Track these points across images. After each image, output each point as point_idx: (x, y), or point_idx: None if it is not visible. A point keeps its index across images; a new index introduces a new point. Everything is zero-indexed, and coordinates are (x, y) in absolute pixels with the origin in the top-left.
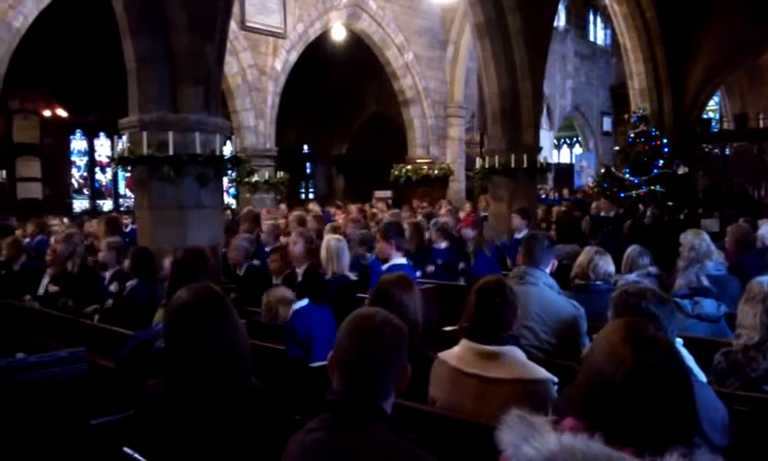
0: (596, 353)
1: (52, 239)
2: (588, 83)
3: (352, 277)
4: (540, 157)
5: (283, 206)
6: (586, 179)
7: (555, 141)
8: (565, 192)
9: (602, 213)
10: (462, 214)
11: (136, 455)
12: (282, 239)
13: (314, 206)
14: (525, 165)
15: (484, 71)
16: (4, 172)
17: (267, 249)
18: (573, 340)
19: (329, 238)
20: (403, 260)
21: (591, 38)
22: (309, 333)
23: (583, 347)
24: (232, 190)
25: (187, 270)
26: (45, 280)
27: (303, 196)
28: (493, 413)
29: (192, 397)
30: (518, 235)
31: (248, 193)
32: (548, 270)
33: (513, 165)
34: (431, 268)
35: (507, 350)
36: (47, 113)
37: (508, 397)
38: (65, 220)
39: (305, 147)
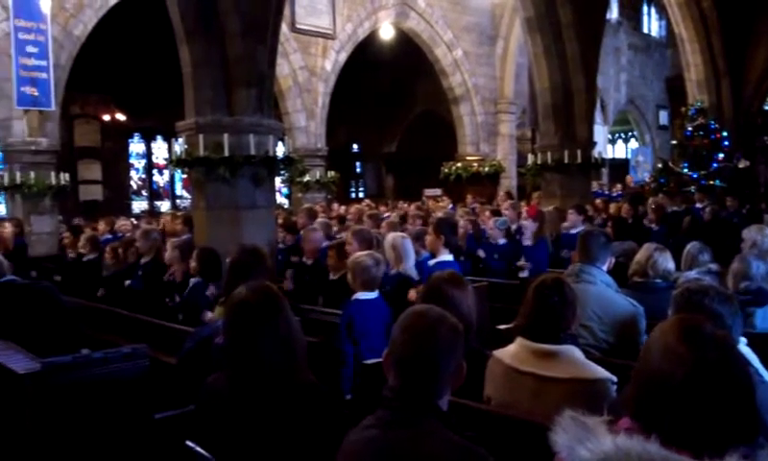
0: (652, 352)
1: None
2: (642, 75)
3: (414, 275)
4: (595, 153)
5: (336, 205)
6: (642, 174)
7: (609, 136)
8: (619, 187)
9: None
10: (524, 208)
11: (198, 449)
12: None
13: (366, 205)
14: (579, 161)
15: (535, 66)
16: (67, 175)
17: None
18: (632, 339)
19: (395, 236)
20: (450, 257)
21: (645, 30)
22: (366, 326)
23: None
24: (284, 190)
25: (244, 268)
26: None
27: (353, 195)
28: (549, 412)
29: (250, 392)
30: (574, 231)
31: (299, 193)
32: (605, 268)
33: (566, 161)
34: (481, 253)
35: (564, 348)
36: (107, 118)
37: (564, 396)
38: (133, 220)
39: (355, 146)
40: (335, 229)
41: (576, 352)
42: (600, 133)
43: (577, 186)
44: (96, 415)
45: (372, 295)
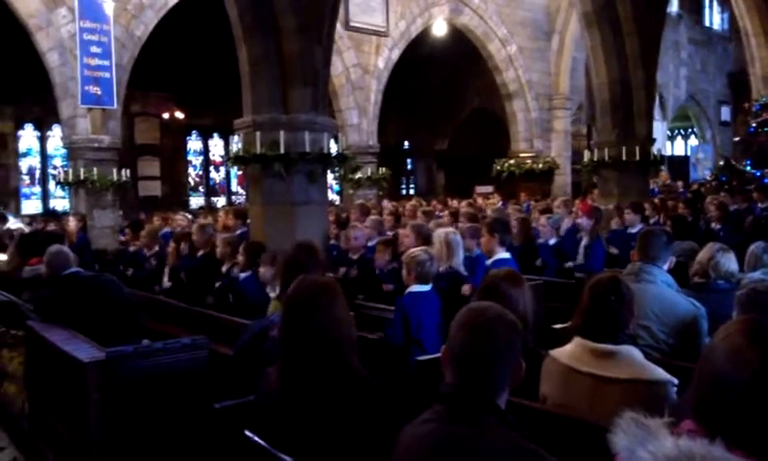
0: (717, 354)
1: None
2: (703, 70)
3: (463, 271)
4: (654, 149)
5: (386, 202)
6: (702, 171)
7: (668, 132)
8: (680, 185)
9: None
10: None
11: (256, 439)
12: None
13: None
14: (637, 158)
15: (593, 61)
16: (128, 171)
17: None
18: (693, 341)
19: (447, 231)
20: (506, 255)
21: (707, 23)
22: (419, 317)
23: None
24: (336, 187)
25: (298, 264)
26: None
27: (404, 192)
28: (608, 413)
29: (302, 384)
30: (632, 230)
31: (350, 189)
32: (666, 267)
33: (624, 158)
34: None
35: (623, 349)
36: (166, 116)
37: (623, 397)
38: (188, 215)
39: (406, 143)
40: (388, 225)
41: (635, 353)
42: (659, 129)
43: (635, 184)
44: (157, 403)
45: (426, 287)
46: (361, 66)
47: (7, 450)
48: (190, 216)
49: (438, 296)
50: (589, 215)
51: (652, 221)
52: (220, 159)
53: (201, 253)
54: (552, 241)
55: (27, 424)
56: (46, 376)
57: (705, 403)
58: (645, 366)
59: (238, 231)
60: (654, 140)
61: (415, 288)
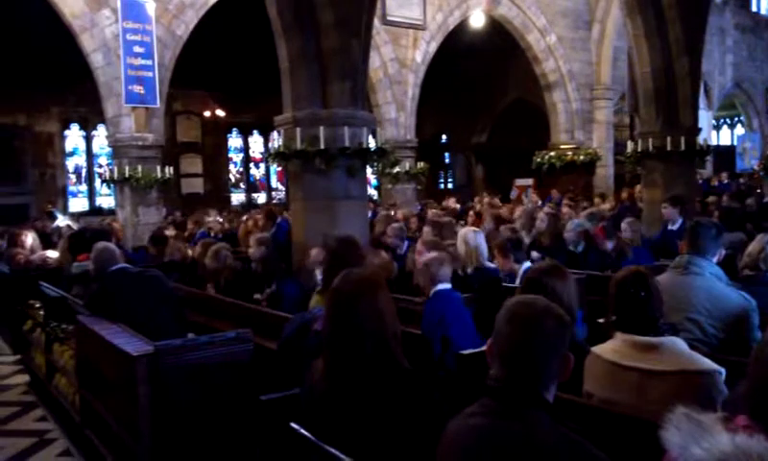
0: None
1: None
2: (750, 57)
3: (494, 268)
4: (699, 139)
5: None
6: (749, 161)
7: (714, 122)
8: (725, 176)
9: None
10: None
11: (302, 431)
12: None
13: (451, 202)
14: (682, 148)
15: (635, 49)
16: (171, 168)
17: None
18: (743, 335)
19: (467, 230)
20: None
21: (754, 9)
22: (443, 316)
23: (754, 342)
24: (374, 181)
25: (340, 258)
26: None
27: (442, 186)
28: (655, 407)
29: (350, 377)
30: (672, 227)
31: (389, 184)
32: (715, 259)
33: (668, 148)
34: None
35: (667, 340)
36: (207, 114)
37: (671, 390)
38: (219, 218)
39: (444, 137)
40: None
41: (679, 343)
42: (704, 118)
43: (680, 175)
44: (204, 395)
45: (447, 286)
46: (398, 60)
47: (59, 442)
48: (221, 218)
49: (459, 295)
50: (606, 236)
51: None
52: (260, 156)
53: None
54: (579, 249)
55: (78, 417)
56: (96, 370)
57: (760, 399)
58: (692, 357)
59: (269, 233)
60: (699, 130)
61: (440, 287)
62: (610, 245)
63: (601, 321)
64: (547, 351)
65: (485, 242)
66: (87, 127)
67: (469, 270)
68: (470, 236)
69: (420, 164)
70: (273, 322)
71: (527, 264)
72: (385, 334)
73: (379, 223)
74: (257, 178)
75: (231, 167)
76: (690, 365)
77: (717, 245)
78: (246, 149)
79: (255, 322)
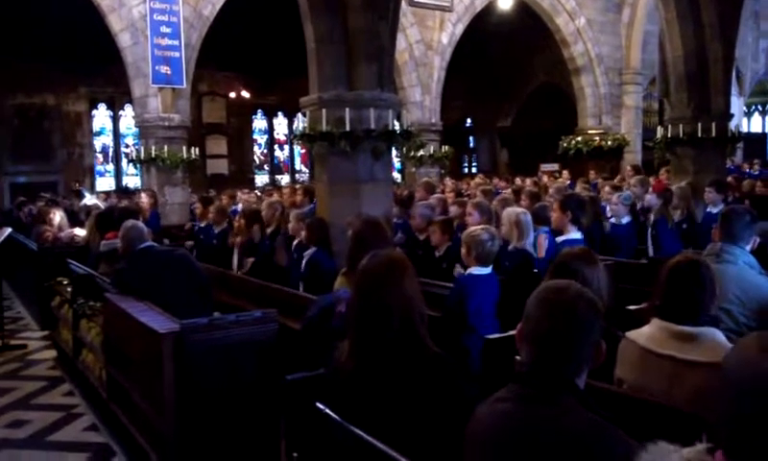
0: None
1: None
2: None
3: (533, 251)
4: (731, 126)
5: (448, 180)
6: None
7: (745, 108)
8: (756, 166)
9: None
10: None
11: (327, 411)
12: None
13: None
14: (714, 134)
15: (667, 33)
16: (197, 149)
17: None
18: None
19: (517, 211)
20: (578, 235)
21: None
22: (479, 303)
23: None
24: (397, 165)
25: (365, 239)
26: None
27: (466, 170)
28: (688, 397)
29: (376, 359)
30: (714, 210)
31: (413, 167)
32: (748, 248)
33: (699, 134)
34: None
35: (705, 331)
36: (232, 95)
37: (704, 381)
38: (257, 192)
39: (468, 120)
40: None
41: (718, 335)
42: (735, 105)
43: (711, 162)
44: (230, 374)
45: (486, 270)
46: (424, 42)
47: (85, 417)
48: (259, 193)
49: (497, 279)
50: (659, 195)
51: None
52: (284, 138)
53: (270, 229)
54: (625, 220)
55: (104, 392)
56: (122, 347)
57: (736, 436)
58: (729, 349)
59: (306, 208)
60: (732, 116)
61: (475, 271)
62: (656, 201)
63: (632, 308)
64: (579, 336)
65: (531, 223)
66: (115, 107)
67: (510, 248)
68: (520, 217)
69: (445, 148)
70: (297, 303)
71: (574, 235)
72: (411, 316)
73: (419, 189)
74: (281, 159)
75: (256, 149)
76: None
77: (751, 233)
78: (270, 131)
79: (281, 302)
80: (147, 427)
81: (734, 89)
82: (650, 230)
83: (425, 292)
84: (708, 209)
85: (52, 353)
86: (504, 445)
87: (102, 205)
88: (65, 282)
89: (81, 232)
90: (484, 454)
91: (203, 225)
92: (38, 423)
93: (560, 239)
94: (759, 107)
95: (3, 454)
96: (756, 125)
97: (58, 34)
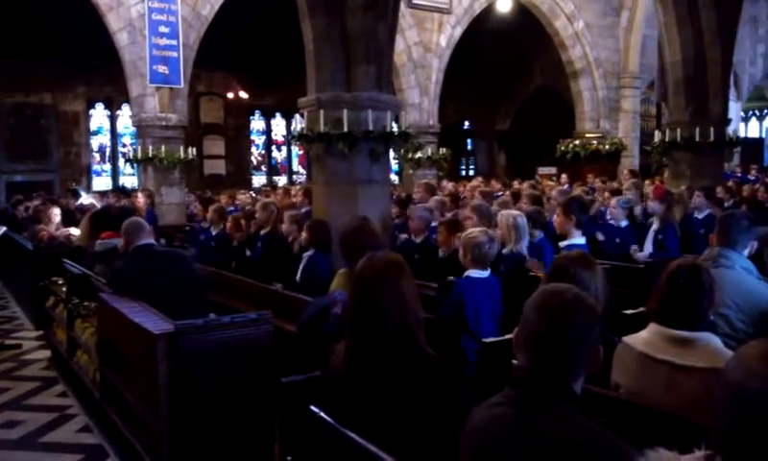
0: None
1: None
2: None
3: (527, 255)
4: (729, 130)
5: (445, 182)
6: None
7: (743, 113)
8: (754, 171)
9: None
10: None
11: (322, 414)
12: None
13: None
14: (711, 139)
15: (666, 37)
16: (194, 149)
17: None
18: None
19: (513, 214)
20: (582, 240)
21: None
22: (477, 306)
23: None
24: (395, 167)
25: (354, 241)
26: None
27: (464, 172)
28: (685, 402)
29: (372, 362)
30: (700, 216)
31: (410, 169)
32: (746, 252)
33: (697, 139)
34: (600, 235)
35: (702, 336)
36: (230, 96)
37: (700, 386)
38: (252, 194)
39: (466, 123)
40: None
41: (714, 340)
42: (733, 109)
43: (708, 166)
44: (224, 375)
45: (485, 273)
46: (423, 44)
47: (79, 418)
48: (254, 194)
49: (497, 282)
50: (661, 200)
51: (726, 205)
52: (282, 139)
53: (264, 231)
54: (623, 224)
55: (98, 393)
56: (117, 347)
57: (736, 446)
58: (725, 354)
59: (303, 210)
60: (729, 121)
61: (473, 273)
62: (659, 207)
63: (629, 313)
64: (576, 341)
65: (527, 227)
66: (112, 106)
67: (505, 251)
68: (516, 220)
69: (443, 150)
70: (292, 304)
71: (577, 240)
72: (408, 319)
73: (419, 190)
74: (279, 160)
75: (253, 149)
76: (722, 363)
77: (749, 237)
78: (268, 131)
79: (276, 304)
80: (141, 429)
81: (732, 94)
82: (654, 233)
83: (422, 295)
84: (695, 215)
85: (46, 354)
86: (499, 450)
87: (98, 204)
88: (60, 282)
89: (77, 232)
90: (478, 460)
91: (205, 226)
92: (31, 423)
93: (563, 244)
94: (756, 112)
95: None
96: (753, 130)
97: (55, 32)
